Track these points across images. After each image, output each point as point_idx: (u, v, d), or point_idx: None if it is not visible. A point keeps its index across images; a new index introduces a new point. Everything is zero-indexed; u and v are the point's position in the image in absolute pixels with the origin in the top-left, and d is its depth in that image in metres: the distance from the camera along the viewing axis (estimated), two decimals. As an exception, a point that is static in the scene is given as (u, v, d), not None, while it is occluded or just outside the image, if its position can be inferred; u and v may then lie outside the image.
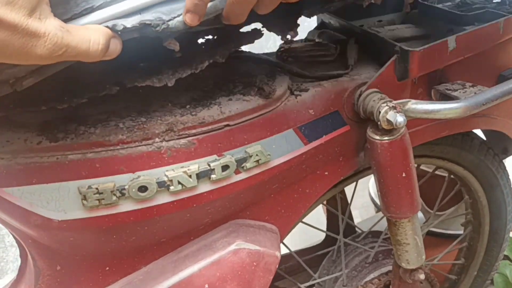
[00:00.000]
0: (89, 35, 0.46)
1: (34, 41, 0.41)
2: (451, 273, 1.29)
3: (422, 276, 0.91)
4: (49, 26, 0.42)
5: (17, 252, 1.49)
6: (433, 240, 1.38)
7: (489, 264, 1.23)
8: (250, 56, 0.81)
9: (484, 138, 1.09)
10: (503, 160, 1.12)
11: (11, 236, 1.48)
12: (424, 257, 0.88)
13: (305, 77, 0.76)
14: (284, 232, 0.84)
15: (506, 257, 1.39)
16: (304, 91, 0.73)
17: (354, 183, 1.01)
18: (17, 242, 0.74)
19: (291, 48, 0.85)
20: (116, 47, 0.50)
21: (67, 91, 0.62)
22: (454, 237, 1.23)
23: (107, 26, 0.48)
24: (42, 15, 0.41)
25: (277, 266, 0.78)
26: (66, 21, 0.46)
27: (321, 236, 1.33)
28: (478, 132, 1.08)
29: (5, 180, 0.61)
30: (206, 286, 0.73)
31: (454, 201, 1.18)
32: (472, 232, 1.21)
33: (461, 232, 1.23)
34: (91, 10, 0.49)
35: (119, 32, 0.50)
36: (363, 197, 1.83)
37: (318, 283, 1.10)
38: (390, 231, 0.86)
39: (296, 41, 0.90)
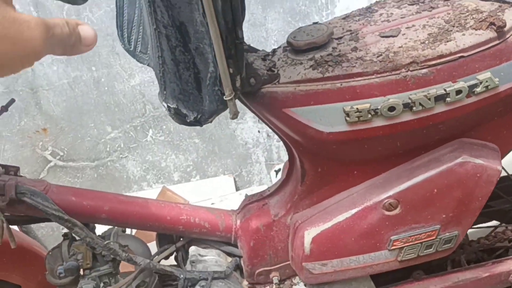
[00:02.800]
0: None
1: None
2: None
3: None
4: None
5: (260, 167, 1.84)
6: None
7: None
8: (477, -7, 0.91)
9: None
10: None
11: (255, 154, 1.84)
12: None
13: (535, 10, 0.83)
14: (504, 151, 0.95)
15: None
16: (533, 23, 0.82)
17: None
18: (288, 149, 1.00)
19: (519, -18, 0.91)
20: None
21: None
22: None
23: None
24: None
25: (498, 178, 0.90)
26: None
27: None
28: None
29: (291, 102, 0.85)
30: (435, 190, 0.90)
31: None
32: None
33: None
34: None
35: None
36: None
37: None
38: None
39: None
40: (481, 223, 1.25)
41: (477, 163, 0.88)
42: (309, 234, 0.95)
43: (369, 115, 0.82)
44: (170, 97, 0.86)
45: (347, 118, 0.83)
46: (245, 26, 1.63)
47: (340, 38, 0.90)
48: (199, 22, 0.75)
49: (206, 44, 0.77)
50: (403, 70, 0.80)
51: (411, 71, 0.79)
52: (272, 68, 0.88)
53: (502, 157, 0.95)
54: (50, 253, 1.09)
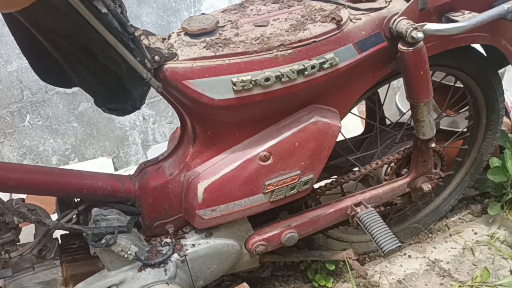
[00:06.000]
0: None
1: None
2: (457, 157, 1.73)
3: (433, 144, 1.36)
4: None
5: (137, 148, 1.98)
6: (446, 135, 1.79)
7: (486, 148, 1.66)
8: (320, -3, 1.23)
9: (485, 53, 1.50)
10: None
11: (132, 136, 1.97)
12: (434, 131, 1.33)
13: (359, 10, 1.18)
14: (342, 114, 1.28)
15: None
16: (358, 19, 1.15)
17: (387, 85, 1.44)
18: (181, 117, 1.20)
19: (347, -9, 1.25)
20: None
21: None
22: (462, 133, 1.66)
23: None
24: None
25: (339, 133, 1.23)
26: None
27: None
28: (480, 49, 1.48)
29: (189, 75, 1.06)
30: (296, 143, 1.19)
31: (458, 103, 1.61)
32: (473, 124, 1.63)
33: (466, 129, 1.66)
34: None
35: None
36: (390, 110, 2.25)
37: (359, 158, 1.57)
38: (412, 113, 1.31)
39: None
40: (325, 178, 1.60)
41: (325, 121, 1.20)
42: (201, 186, 1.17)
43: (251, 85, 1.07)
44: (105, 101, 1.03)
45: (234, 87, 1.07)
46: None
47: (223, 26, 1.14)
48: (95, 38, 0.93)
49: (110, 50, 0.95)
50: (275, 50, 1.07)
51: (280, 51, 1.07)
52: (171, 48, 1.08)
53: (341, 119, 1.28)
54: None
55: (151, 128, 1.97)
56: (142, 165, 1.29)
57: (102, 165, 1.90)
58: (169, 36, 1.14)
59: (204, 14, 1.16)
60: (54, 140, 1.83)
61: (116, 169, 1.95)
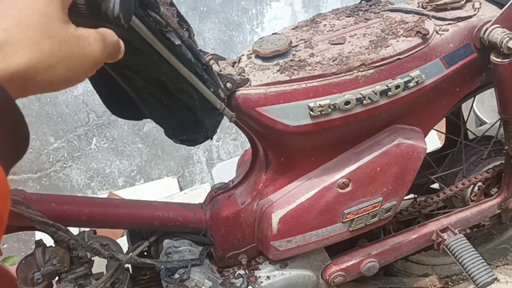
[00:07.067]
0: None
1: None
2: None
3: (529, 163, 1.22)
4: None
5: (202, 167, 1.95)
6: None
7: None
8: (399, 8, 1.13)
9: None
10: None
11: (197, 155, 1.94)
12: (531, 148, 1.19)
13: (445, 20, 1.06)
14: (425, 133, 1.17)
15: None
16: (445, 31, 1.04)
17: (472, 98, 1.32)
18: (253, 143, 1.14)
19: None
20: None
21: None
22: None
23: None
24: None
25: (424, 155, 1.12)
26: None
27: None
28: None
29: (263, 102, 0.99)
30: (378, 168, 1.10)
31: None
32: None
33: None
34: None
35: None
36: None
37: (441, 177, 1.44)
38: (505, 130, 1.18)
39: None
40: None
41: (409, 143, 1.10)
42: (276, 216, 1.10)
43: (329, 109, 0.98)
44: (176, 133, 0.99)
45: (311, 113, 0.99)
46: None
47: (296, 46, 1.06)
48: (168, 70, 0.87)
49: (183, 82, 0.89)
50: (355, 71, 0.98)
51: (361, 71, 0.98)
52: (242, 73, 1.02)
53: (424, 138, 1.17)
54: (23, 261, 1.11)
55: (215, 146, 1.92)
56: (212, 192, 1.24)
57: (167, 185, 1.87)
58: (239, 59, 1.08)
59: (275, 34, 1.09)
60: (120, 161, 1.83)
61: (181, 189, 1.92)
